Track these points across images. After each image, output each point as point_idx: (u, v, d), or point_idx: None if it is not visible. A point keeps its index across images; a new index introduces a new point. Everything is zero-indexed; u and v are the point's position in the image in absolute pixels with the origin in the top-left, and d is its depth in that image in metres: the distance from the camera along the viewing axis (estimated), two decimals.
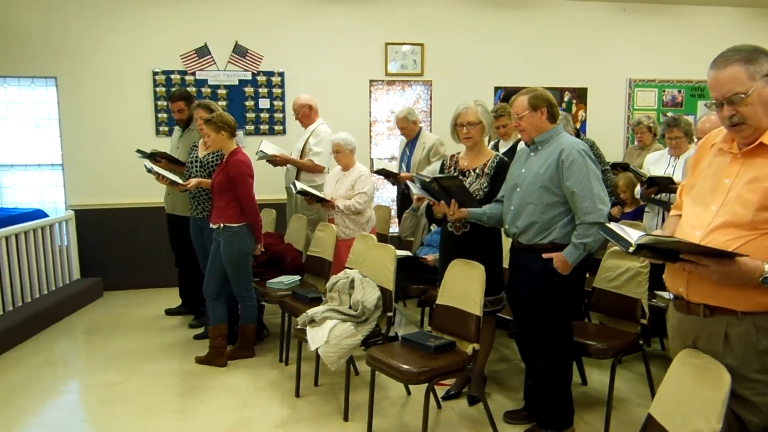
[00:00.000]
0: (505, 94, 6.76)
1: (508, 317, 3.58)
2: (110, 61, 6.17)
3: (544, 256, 2.94)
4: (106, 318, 5.53)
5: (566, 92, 7.16)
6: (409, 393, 3.78)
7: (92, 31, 6.12)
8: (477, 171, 3.43)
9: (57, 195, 6.34)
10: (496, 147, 4.69)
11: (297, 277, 4.63)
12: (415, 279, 4.45)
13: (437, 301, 3.35)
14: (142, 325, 5.26)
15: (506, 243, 3.42)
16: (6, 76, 6.10)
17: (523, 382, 3.53)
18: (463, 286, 3.19)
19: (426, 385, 2.95)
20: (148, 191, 5.78)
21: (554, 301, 3.00)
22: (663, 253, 1.77)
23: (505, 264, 3.48)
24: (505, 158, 3.46)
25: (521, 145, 3.31)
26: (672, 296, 2.05)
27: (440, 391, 3.66)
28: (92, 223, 6.20)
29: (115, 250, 6.30)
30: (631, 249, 1.69)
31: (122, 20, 6.16)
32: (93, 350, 4.77)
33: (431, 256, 4.49)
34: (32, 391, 3.97)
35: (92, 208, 6.22)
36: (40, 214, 5.74)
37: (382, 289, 3.64)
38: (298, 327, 3.63)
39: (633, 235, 1.72)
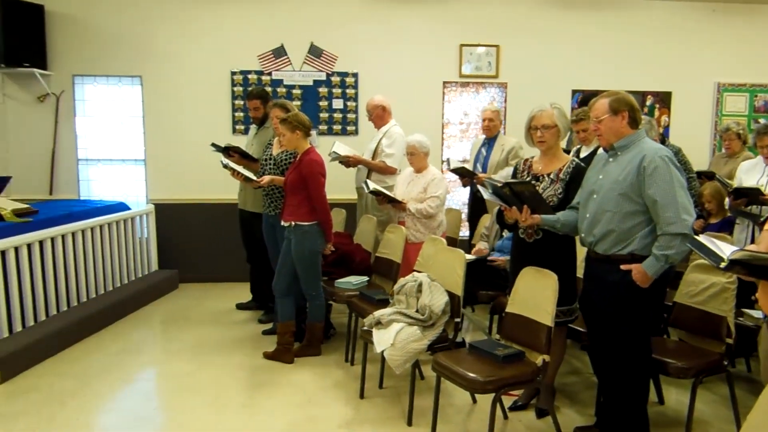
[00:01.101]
0: (583, 98, 6.53)
1: (580, 329, 3.46)
2: (191, 61, 6.38)
3: (623, 267, 2.81)
4: (181, 309, 5.71)
5: (649, 96, 6.88)
6: (474, 401, 3.71)
7: (175, 33, 6.35)
8: (551, 176, 3.32)
9: (139, 189, 6.61)
10: (577, 153, 4.54)
11: (365, 278, 4.63)
12: (486, 284, 4.37)
13: (507, 309, 3.27)
14: (214, 318, 5.41)
15: (580, 252, 3.30)
16: (96, 75, 6.41)
17: (595, 398, 3.39)
18: (535, 294, 3.09)
19: (493, 394, 2.89)
20: (223, 188, 5.93)
21: (631, 314, 2.87)
22: (758, 271, 1.64)
23: (579, 273, 3.37)
24: (582, 164, 3.33)
25: (601, 150, 3.18)
26: (765, 317, 1.90)
27: (507, 401, 3.57)
28: (170, 217, 6.43)
29: (191, 243, 6.51)
30: (723, 264, 1.58)
31: (203, 23, 6.36)
32: (167, 340, 4.94)
33: (502, 259, 4.39)
34: (110, 377, 4.14)
35: (171, 202, 6.46)
36: (122, 207, 5.99)
37: (451, 294, 3.58)
38: (365, 328, 3.63)
39: (725, 249, 1.60)
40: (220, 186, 6.00)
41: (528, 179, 3.35)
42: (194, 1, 6.33)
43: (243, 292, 5.74)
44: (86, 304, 5.11)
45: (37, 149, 6.37)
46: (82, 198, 6.45)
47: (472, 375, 2.89)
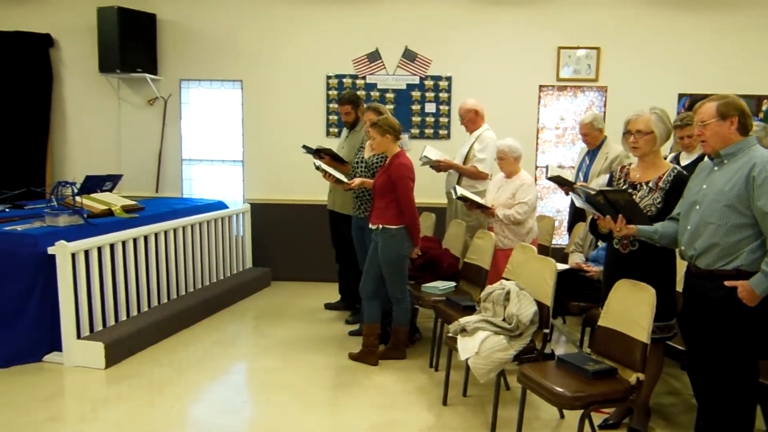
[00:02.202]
0: (691, 102, 6.19)
1: (679, 347, 3.25)
2: (289, 66, 6.57)
3: (727, 284, 2.62)
4: (272, 306, 5.89)
5: (765, 100, 6.38)
6: (562, 416, 3.57)
7: (275, 39, 6.56)
8: (650, 185, 3.14)
9: (236, 189, 6.88)
10: (677, 160, 4.29)
11: (452, 284, 4.58)
12: (578, 295, 4.20)
13: (599, 323, 3.13)
14: (303, 316, 5.53)
15: (680, 265, 3.11)
16: (201, 80, 6.74)
17: (695, 422, 3.18)
18: (630, 308, 2.94)
19: (581, 411, 2.77)
20: (316, 189, 6.04)
21: (736, 335, 2.66)
22: None
23: (679, 287, 3.17)
24: (684, 172, 3.14)
25: (706, 158, 2.98)
26: None
27: (597, 418, 3.41)
28: (265, 217, 6.65)
29: (284, 242, 6.70)
30: None
31: (301, 29, 6.53)
32: (258, 336, 5.10)
33: (596, 269, 4.22)
34: (204, 368, 4.34)
35: (266, 202, 6.67)
36: (220, 205, 6.27)
37: (540, 304, 3.47)
38: (449, 335, 3.59)
39: None
40: (313, 187, 6.13)
41: (624, 187, 3.20)
42: (293, 8, 6.51)
43: (332, 292, 5.83)
44: (184, 297, 5.38)
45: (146, 149, 6.78)
46: (184, 196, 6.80)
47: (559, 389, 2.78)
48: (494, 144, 5.01)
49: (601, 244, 4.41)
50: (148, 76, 6.50)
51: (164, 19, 6.60)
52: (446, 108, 6.52)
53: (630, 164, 3.34)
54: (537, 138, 6.57)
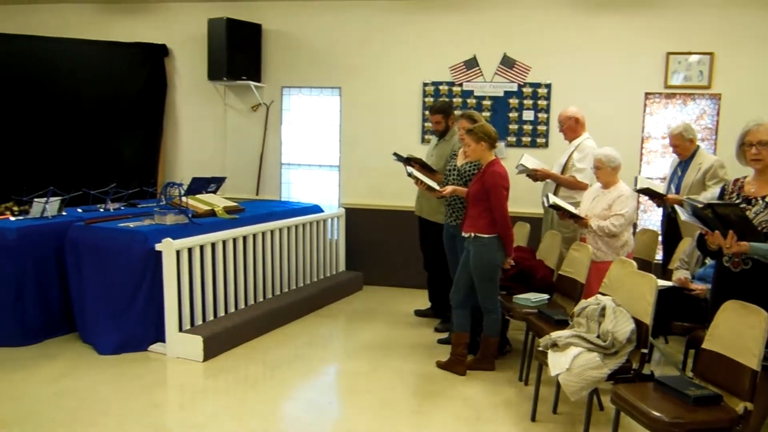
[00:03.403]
0: None
1: None
2: (387, 73, 6.64)
3: None
4: (364, 310, 5.95)
5: None
6: None
7: (373, 46, 6.66)
8: (767, 200, 2.91)
9: (332, 193, 7.03)
10: None
11: (545, 296, 4.45)
12: (681, 315, 3.97)
13: (704, 345, 2.92)
14: (393, 322, 5.55)
15: None
16: (301, 87, 6.95)
17: None
18: (739, 332, 2.73)
19: None
20: (409, 196, 6.06)
21: None
22: None
23: None
24: None
25: None
26: None
27: None
28: (359, 221, 6.74)
29: (377, 247, 6.76)
30: None
31: (398, 36, 6.59)
32: (348, 339, 5.18)
33: (702, 287, 3.97)
34: (294, 367, 4.45)
35: (361, 207, 6.77)
36: (317, 209, 6.43)
37: (638, 322, 3.30)
38: (540, 349, 3.48)
39: None
40: (405, 193, 6.14)
41: (738, 201, 2.98)
42: (392, 16, 6.58)
43: (423, 299, 5.82)
44: (279, 297, 5.54)
45: (248, 153, 7.08)
46: (282, 199, 7.02)
47: (656, 414, 2.63)
48: (594, 153, 4.83)
49: (708, 261, 4.14)
50: (252, 83, 6.78)
51: (269, 29, 6.87)
52: (545, 116, 6.36)
53: (744, 177, 3.11)
54: (641, 148, 6.27)
